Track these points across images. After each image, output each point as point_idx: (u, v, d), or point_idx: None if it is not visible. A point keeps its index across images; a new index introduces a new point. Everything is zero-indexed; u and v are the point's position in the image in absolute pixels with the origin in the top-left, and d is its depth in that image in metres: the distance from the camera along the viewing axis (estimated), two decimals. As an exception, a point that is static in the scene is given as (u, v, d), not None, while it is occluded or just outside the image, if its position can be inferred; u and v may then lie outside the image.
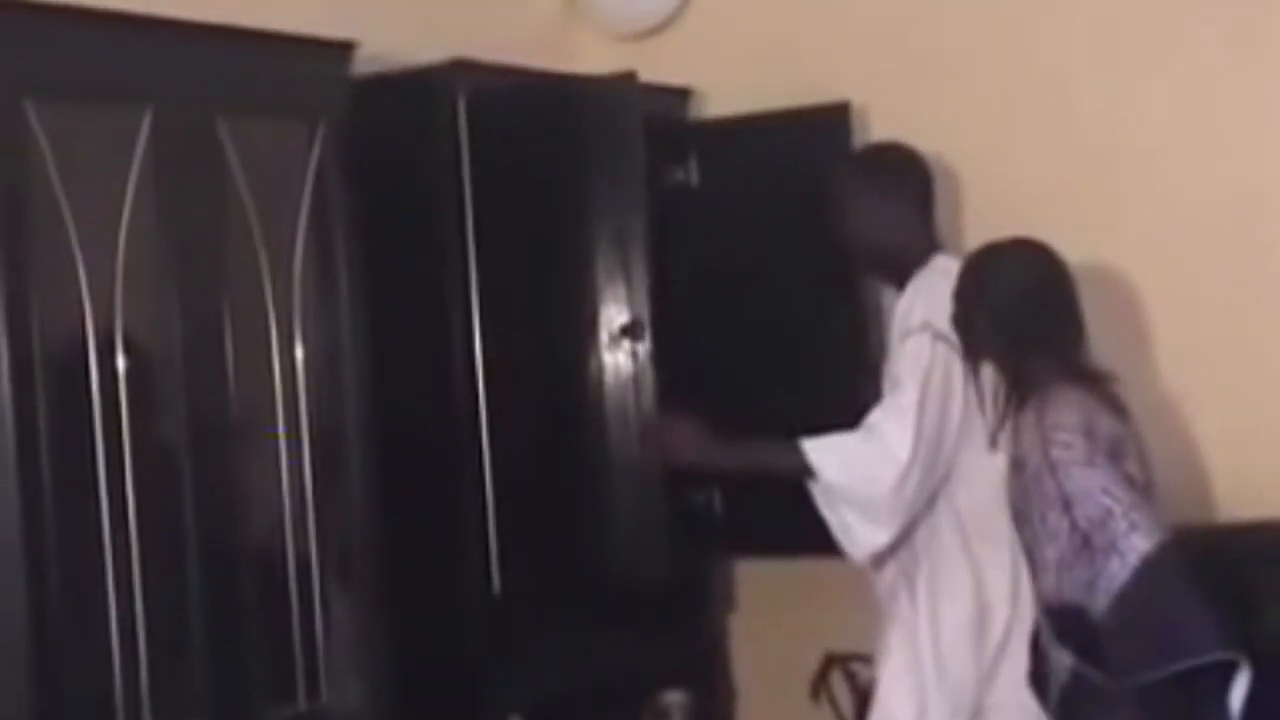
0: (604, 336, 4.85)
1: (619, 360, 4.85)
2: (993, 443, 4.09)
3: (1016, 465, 3.94)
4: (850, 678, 4.97)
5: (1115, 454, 3.82)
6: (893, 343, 4.46)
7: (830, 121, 4.98)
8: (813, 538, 4.86)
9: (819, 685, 4.99)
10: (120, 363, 3.84)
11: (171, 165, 3.93)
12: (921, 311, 4.33)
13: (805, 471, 4.35)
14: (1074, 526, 3.78)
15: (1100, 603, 3.75)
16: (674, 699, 4.76)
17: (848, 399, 4.82)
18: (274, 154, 4.17)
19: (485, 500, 4.57)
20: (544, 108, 4.78)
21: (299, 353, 4.19)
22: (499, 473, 4.58)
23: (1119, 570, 3.73)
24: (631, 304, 4.83)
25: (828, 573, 4.85)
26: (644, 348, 4.81)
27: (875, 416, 4.34)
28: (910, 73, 4.99)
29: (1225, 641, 3.68)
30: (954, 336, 4.20)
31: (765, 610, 5.16)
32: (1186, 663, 3.67)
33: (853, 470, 4.31)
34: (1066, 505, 3.78)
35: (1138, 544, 3.74)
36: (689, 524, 4.95)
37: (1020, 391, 3.97)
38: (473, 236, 4.59)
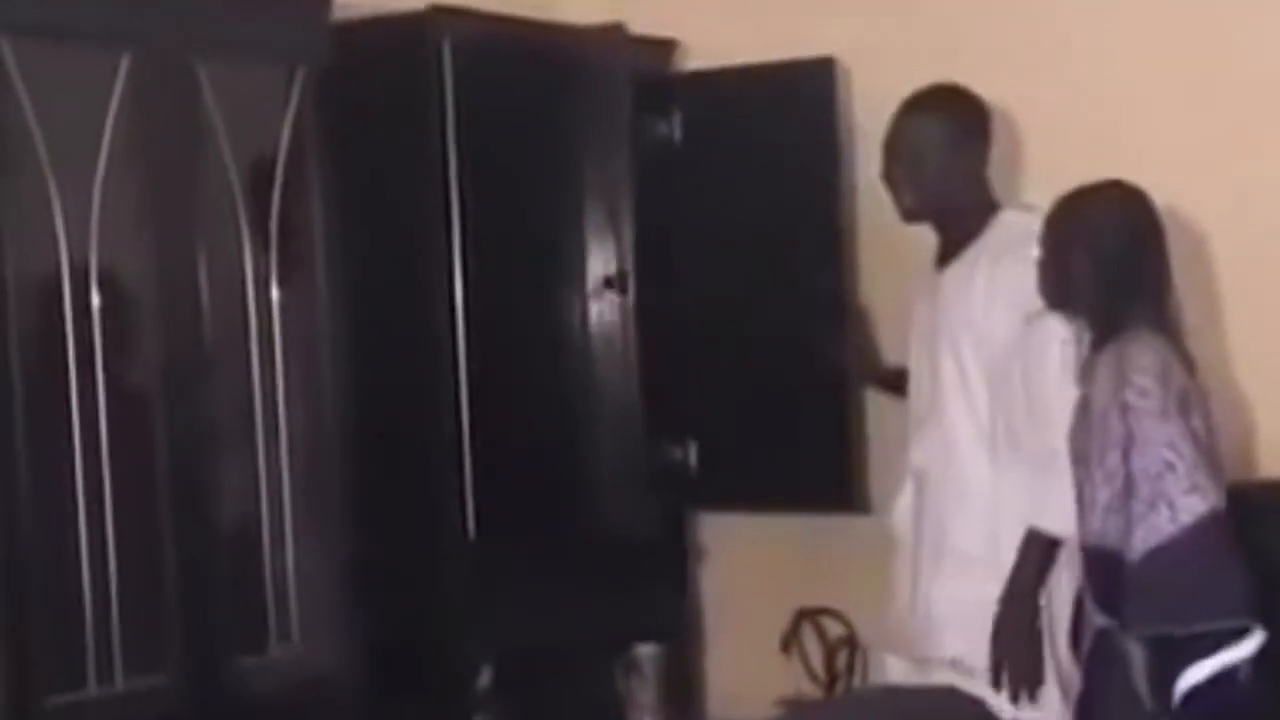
0: (587, 287, 4.85)
1: (602, 311, 4.85)
2: (1079, 381, 4.03)
3: (1084, 405, 3.92)
4: (821, 633, 4.98)
5: (1184, 407, 3.82)
6: (979, 312, 4.25)
7: (815, 76, 4.96)
8: (787, 493, 4.89)
9: (790, 639, 5.01)
10: (95, 303, 3.84)
11: (149, 108, 3.92)
12: (1024, 280, 4.10)
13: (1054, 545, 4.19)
14: (1129, 472, 3.77)
15: (1137, 550, 3.74)
16: (646, 652, 4.76)
17: (829, 352, 4.86)
18: (252, 98, 4.16)
19: (462, 450, 4.57)
20: (530, 57, 4.77)
21: (275, 296, 4.18)
22: (477, 422, 4.58)
23: (1166, 524, 3.72)
24: (615, 256, 4.84)
25: (800, 528, 4.87)
26: (627, 299, 4.82)
27: (1040, 438, 4.14)
28: (897, 28, 4.96)
29: (1245, 608, 3.68)
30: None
31: (738, 564, 5.16)
32: (1207, 624, 3.68)
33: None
34: (1127, 448, 3.77)
35: (1194, 505, 3.72)
36: (665, 477, 4.96)
37: (1105, 335, 3.95)
38: (455, 184, 4.57)
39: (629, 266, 4.81)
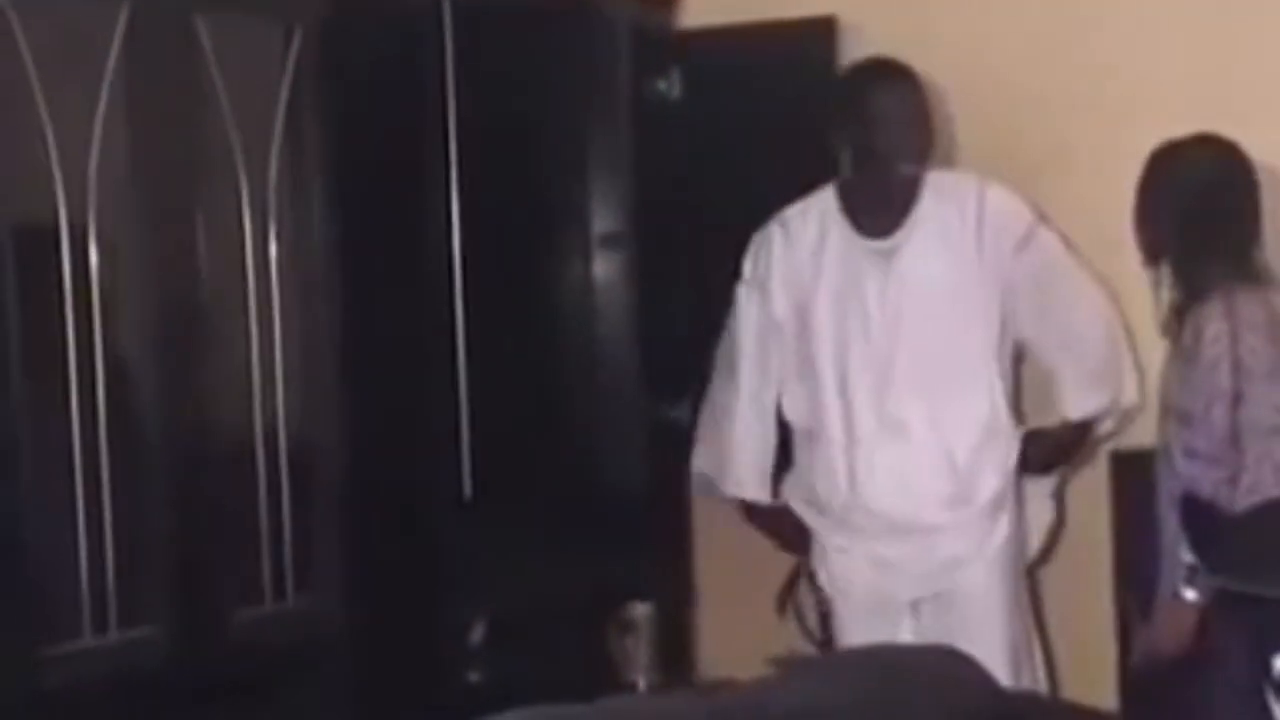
0: (585, 246, 4.85)
1: (600, 270, 4.85)
2: (1164, 331, 4.10)
3: (1185, 357, 3.94)
4: (817, 591, 4.98)
5: None
6: (976, 249, 4.48)
7: (816, 34, 4.95)
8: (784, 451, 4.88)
9: (785, 598, 5.00)
10: (93, 258, 3.83)
11: (148, 63, 3.91)
12: (1007, 215, 4.48)
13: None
14: (1235, 424, 3.81)
15: (1240, 504, 3.80)
16: (641, 611, 4.76)
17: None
18: (251, 54, 4.16)
19: (459, 408, 4.56)
20: (531, 13, 4.75)
21: (273, 252, 4.18)
22: (474, 381, 4.57)
23: (1271, 486, 3.78)
24: (612, 215, 4.84)
25: (798, 487, 4.85)
26: (623, 258, 4.81)
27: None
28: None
29: None
30: None
31: (734, 524, 5.16)
32: None
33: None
34: (1236, 401, 3.82)
35: None
36: (662, 436, 4.96)
37: (1195, 287, 3.96)
38: (454, 141, 4.55)
39: (628, 224, 4.81)
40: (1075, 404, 4.54)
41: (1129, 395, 4.53)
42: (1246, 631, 3.80)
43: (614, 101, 4.90)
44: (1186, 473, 3.90)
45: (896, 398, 4.52)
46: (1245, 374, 3.81)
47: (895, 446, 4.52)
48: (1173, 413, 3.97)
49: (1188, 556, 3.90)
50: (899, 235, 4.52)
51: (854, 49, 4.93)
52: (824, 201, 4.62)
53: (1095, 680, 4.61)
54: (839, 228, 4.57)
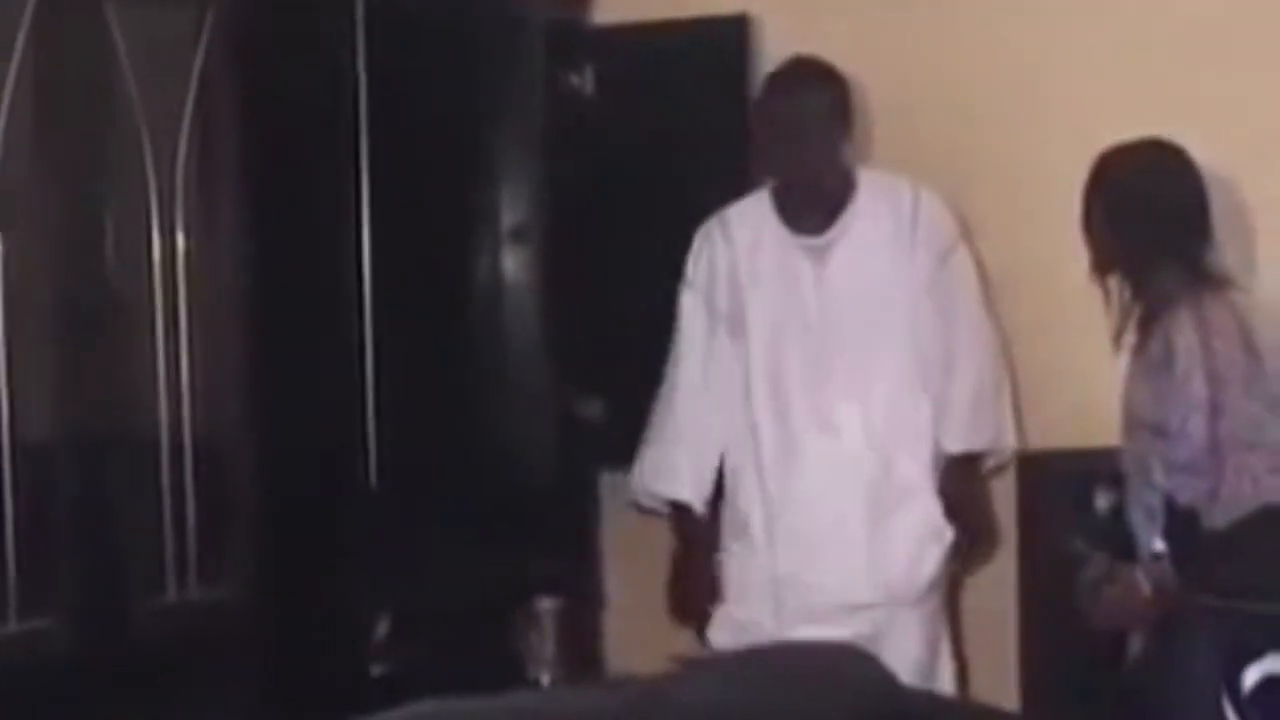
0: (495, 240, 4.84)
1: (510, 264, 4.85)
2: (1116, 341, 4.03)
3: (1154, 367, 3.86)
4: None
5: (1262, 370, 3.81)
6: (911, 255, 4.50)
7: (728, 32, 4.97)
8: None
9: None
10: (-1, 246, 3.81)
11: (56, 48, 3.88)
12: (938, 224, 4.52)
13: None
14: (1215, 435, 3.75)
15: (1218, 517, 3.75)
16: (546, 606, 4.76)
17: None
18: (161, 40, 4.14)
19: (366, 398, 4.55)
20: (444, 5, 4.75)
21: (180, 241, 4.16)
22: (382, 370, 4.56)
23: (1249, 497, 3.74)
24: (523, 209, 4.84)
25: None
26: (534, 252, 4.81)
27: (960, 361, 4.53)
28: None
29: None
30: None
31: (640, 521, 5.16)
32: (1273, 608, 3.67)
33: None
34: (1215, 413, 3.75)
35: (1277, 486, 3.74)
36: (571, 432, 4.96)
37: (1158, 295, 3.90)
38: (365, 132, 4.55)
39: (538, 218, 4.81)
40: (955, 437, 4.54)
41: (1009, 439, 4.59)
42: (1218, 646, 3.74)
43: (527, 96, 4.90)
44: (1169, 485, 3.83)
45: (831, 397, 4.51)
46: (1222, 384, 3.75)
47: (827, 447, 4.51)
48: (1144, 425, 3.90)
49: (1158, 545, 3.87)
50: (832, 232, 4.53)
51: (765, 46, 4.95)
52: (759, 202, 4.62)
53: (998, 679, 4.65)
54: (773, 227, 4.58)
